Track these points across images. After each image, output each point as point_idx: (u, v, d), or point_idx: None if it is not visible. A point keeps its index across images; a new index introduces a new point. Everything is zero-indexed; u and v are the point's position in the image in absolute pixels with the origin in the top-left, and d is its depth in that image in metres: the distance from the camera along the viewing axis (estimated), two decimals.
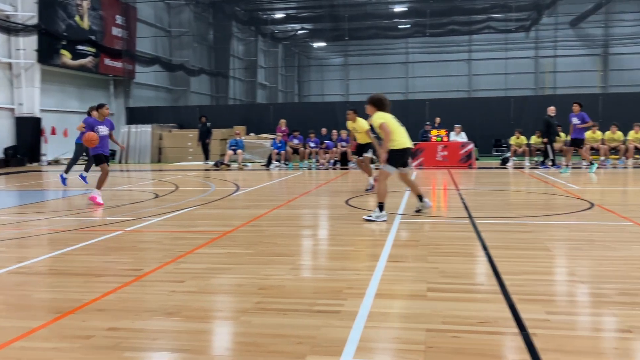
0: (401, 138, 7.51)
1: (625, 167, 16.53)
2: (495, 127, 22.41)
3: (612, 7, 34.24)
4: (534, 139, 18.63)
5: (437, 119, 20.46)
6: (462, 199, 9.54)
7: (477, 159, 18.53)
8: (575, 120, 14.70)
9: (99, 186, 9.55)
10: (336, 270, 4.87)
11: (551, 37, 36.46)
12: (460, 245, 5.82)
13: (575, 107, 14.74)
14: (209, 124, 21.15)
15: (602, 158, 17.46)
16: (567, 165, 15.00)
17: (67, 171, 13.29)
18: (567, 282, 4.45)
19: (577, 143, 14.92)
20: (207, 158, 20.95)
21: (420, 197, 7.89)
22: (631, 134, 17.55)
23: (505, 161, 18.24)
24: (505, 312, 3.62)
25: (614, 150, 17.69)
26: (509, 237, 6.24)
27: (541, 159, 17.69)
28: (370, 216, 7.40)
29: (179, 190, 11.84)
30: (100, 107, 9.82)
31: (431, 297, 3.98)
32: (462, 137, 18.91)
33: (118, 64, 26.33)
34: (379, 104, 7.62)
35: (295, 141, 19.67)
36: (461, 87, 38.43)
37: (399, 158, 7.49)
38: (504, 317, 3.52)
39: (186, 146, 23.17)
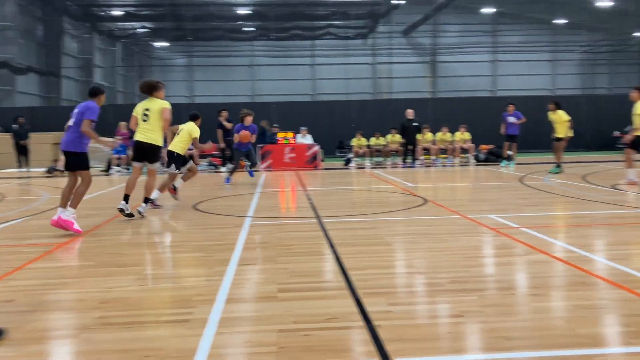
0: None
1: (452, 166, 18.17)
2: (338, 130, 23.40)
3: (439, 19, 37.47)
4: (373, 141, 19.81)
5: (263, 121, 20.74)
6: (309, 199, 9.80)
7: (322, 160, 19.17)
8: (511, 119, 16.42)
9: None
10: (185, 277, 4.72)
11: (386, 45, 38.95)
12: (308, 244, 5.96)
13: (510, 108, 16.57)
14: (27, 126, 19.40)
15: (433, 157, 19.05)
16: (506, 158, 16.71)
17: None
18: (406, 274, 4.76)
19: (512, 139, 16.53)
20: (25, 163, 19.09)
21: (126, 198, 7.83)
22: (457, 135, 19.35)
23: (348, 162, 19.10)
24: (351, 307, 3.77)
25: (443, 150, 19.36)
26: (353, 234, 6.53)
27: (396, 158, 19.15)
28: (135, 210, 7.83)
29: (5, 200, 10.71)
30: None
31: (282, 298, 4.02)
32: (308, 140, 19.44)
33: None
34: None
35: None
36: (305, 91, 39.52)
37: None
38: (351, 312, 3.67)
39: (12, 151, 21.03)
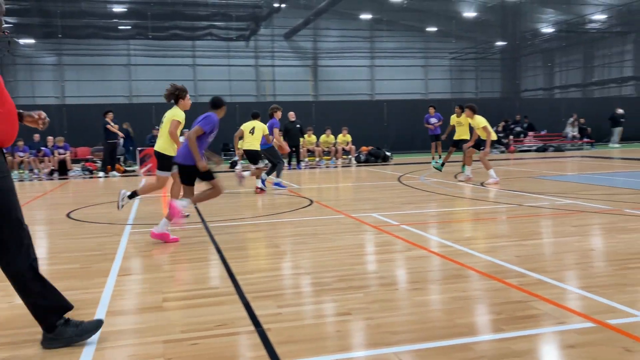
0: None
1: (336, 167, 18.62)
2: (222, 132, 23.04)
3: (319, 24, 38.25)
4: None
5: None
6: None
7: None
8: (433, 120, 16.95)
9: None
10: (61, 291, 4.40)
11: (269, 48, 39.08)
12: (194, 250, 5.81)
13: (431, 110, 17.10)
14: None
15: (317, 159, 19.40)
16: (436, 159, 16.84)
17: None
18: (294, 275, 4.79)
19: (437, 138, 17.04)
20: None
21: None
22: (340, 137, 19.86)
23: (233, 165, 18.90)
24: (241, 311, 3.73)
25: (327, 152, 19.78)
26: (241, 238, 6.46)
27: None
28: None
29: None
30: None
31: (167, 307, 3.88)
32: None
33: None
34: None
35: None
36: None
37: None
38: (240, 317, 3.62)
39: None
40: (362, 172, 16.34)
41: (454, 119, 14.49)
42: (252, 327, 3.43)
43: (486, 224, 6.97)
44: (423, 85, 42.22)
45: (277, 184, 11.73)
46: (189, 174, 6.23)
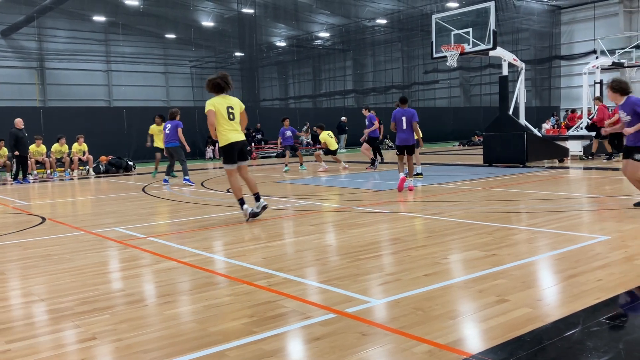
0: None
1: (72, 179, 17.11)
2: None
3: (45, 22, 34.77)
4: None
5: None
6: None
7: None
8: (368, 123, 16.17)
9: None
10: None
11: None
12: None
13: (365, 111, 16.49)
14: None
15: (49, 171, 17.59)
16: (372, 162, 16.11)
17: None
18: (25, 304, 4.22)
19: (372, 141, 16.24)
20: None
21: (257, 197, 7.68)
22: (75, 146, 18.25)
23: None
24: None
25: (61, 163, 18.04)
26: None
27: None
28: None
29: None
30: None
31: None
32: None
33: None
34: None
35: None
36: None
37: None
38: None
39: None
40: (103, 183, 15.31)
41: (153, 128, 15.31)
42: None
43: (233, 229, 7.11)
44: (165, 92, 41.52)
45: None
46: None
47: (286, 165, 16.83)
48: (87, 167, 18.40)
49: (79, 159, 18.15)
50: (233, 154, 7.40)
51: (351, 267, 4.81)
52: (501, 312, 3.51)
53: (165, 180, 13.26)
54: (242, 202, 7.55)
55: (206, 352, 3.05)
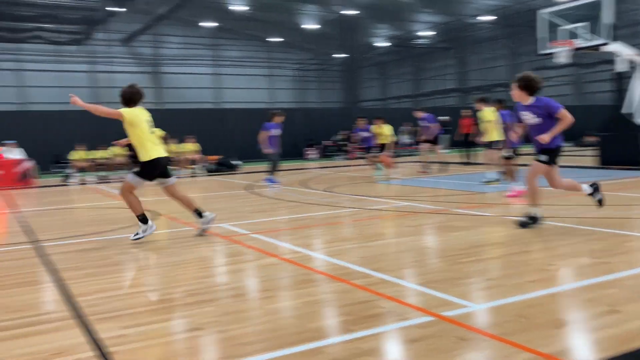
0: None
1: (183, 177, 18.10)
2: (53, 143, 21.27)
3: (160, 30, 37.03)
4: (97, 154, 18.59)
5: None
6: (22, 222, 8.69)
7: (36, 178, 17.23)
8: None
9: None
10: None
11: (106, 53, 36.97)
12: (22, 274, 5.26)
13: (419, 113, 16.07)
14: None
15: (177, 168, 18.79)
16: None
17: None
18: (139, 293, 4.54)
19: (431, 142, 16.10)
20: None
21: (198, 212, 6.86)
22: (186, 146, 19.29)
23: (67, 177, 17.54)
24: (80, 337, 3.43)
25: (173, 162, 19.15)
26: (79, 256, 5.98)
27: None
28: (136, 234, 6.58)
29: None
30: None
31: None
32: (17, 154, 17.27)
33: None
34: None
35: None
36: (9, 99, 34.93)
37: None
38: (79, 343, 3.34)
39: None
40: (211, 181, 16.07)
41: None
42: (93, 353, 3.17)
43: (332, 228, 7.21)
44: (268, 95, 42.75)
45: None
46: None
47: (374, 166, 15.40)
48: (196, 165, 19.39)
49: (189, 158, 19.17)
50: (154, 172, 6.67)
51: (450, 271, 4.71)
52: (612, 323, 3.30)
53: (269, 180, 13.26)
54: (143, 218, 6.68)
55: (304, 348, 3.13)
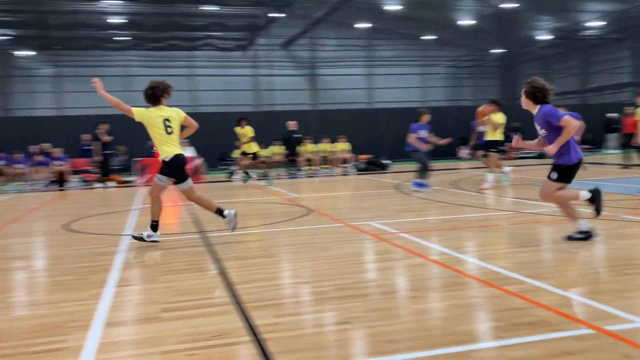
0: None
1: (334, 175, 18.62)
2: (219, 142, 23.07)
3: (317, 33, 38.36)
4: (260, 152, 19.89)
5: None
6: (192, 213, 9.55)
7: (205, 174, 18.80)
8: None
9: None
10: (56, 303, 4.38)
11: (267, 57, 39.18)
12: (191, 260, 5.79)
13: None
14: None
15: (316, 168, 19.43)
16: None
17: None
18: (292, 285, 4.78)
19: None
20: None
21: (220, 212, 6.81)
22: (338, 146, 19.87)
23: (231, 174, 18.90)
24: (238, 322, 3.71)
25: (325, 161, 19.80)
26: (238, 247, 6.44)
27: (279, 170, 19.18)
28: (141, 234, 6.70)
29: None
30: None
31: (165, 318, 3.86)
32: (190, 152, 19.00)
33: None
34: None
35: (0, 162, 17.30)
36: (184, 102, 38.51)
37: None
38: (238, 327, 3.60)
39: None
40: (361, 180, 16.33)
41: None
42: (249, 337, 3.41)
43: (484, 231, 6.96)
44: (420, 93, 42.27)
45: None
46: None
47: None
48: (347, 164, 19.83)
49: (341, 157, 19.66)
50: (174, 170, 6.62)
51: (616, 282, 4.32)
52: None
53: (418, 184, 11.98)
54: (155, 226, 6.64)
55: (451, 350, 3.08)
